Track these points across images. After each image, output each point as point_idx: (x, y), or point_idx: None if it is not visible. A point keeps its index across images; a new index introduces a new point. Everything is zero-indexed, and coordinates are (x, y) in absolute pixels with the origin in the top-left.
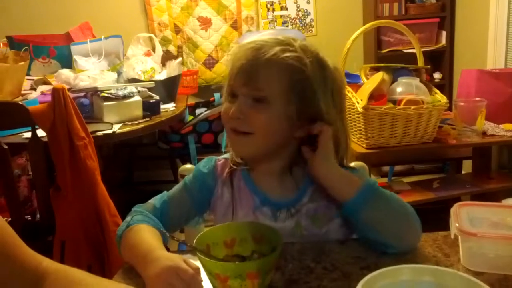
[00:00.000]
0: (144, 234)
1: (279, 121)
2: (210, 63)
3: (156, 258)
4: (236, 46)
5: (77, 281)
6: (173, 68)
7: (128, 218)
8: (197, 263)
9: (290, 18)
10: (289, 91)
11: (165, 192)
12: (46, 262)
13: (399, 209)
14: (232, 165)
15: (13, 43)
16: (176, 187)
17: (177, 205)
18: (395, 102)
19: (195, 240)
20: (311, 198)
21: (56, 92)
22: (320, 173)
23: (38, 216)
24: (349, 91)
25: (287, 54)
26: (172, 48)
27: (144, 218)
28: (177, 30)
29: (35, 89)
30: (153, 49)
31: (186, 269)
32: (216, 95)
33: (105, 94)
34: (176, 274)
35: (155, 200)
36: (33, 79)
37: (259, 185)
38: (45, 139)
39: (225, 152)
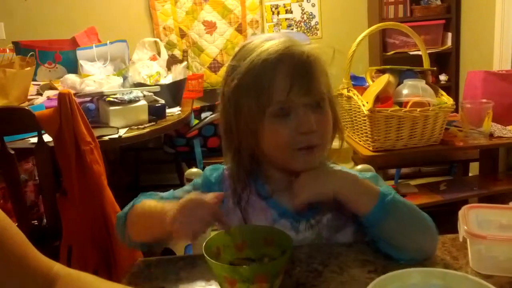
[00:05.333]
0: (155, 202)
1: None
2: (215, 67)
3: (176, 203)
4: (254, 54)
5: (87, 285)
6: (178, 72)
7: (131, 203)
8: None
9: (295, 21)
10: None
11: (171, 190)
12: (57, 267)
13: (420, 220)
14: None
15: (19, 48)
16: (183, 189)
17: None
18: (401, 104)
19: (205, 242)
20: (328, 207)
21: (62, 97)
22: (331, 189)
23: (44, 221)
24: (354, 94)
25: (315, 45)
26: (177, 52)
27: (151, 195)
28: (182, 34)
29: (41, 94)
30: (159, 54)
31: (208, 199)
32: None
33: (111, 99)
34: (199, 204)
35: (163, 194)
36: (39, 84)
37: (276, 198)
38: (52, 144)
39: None
